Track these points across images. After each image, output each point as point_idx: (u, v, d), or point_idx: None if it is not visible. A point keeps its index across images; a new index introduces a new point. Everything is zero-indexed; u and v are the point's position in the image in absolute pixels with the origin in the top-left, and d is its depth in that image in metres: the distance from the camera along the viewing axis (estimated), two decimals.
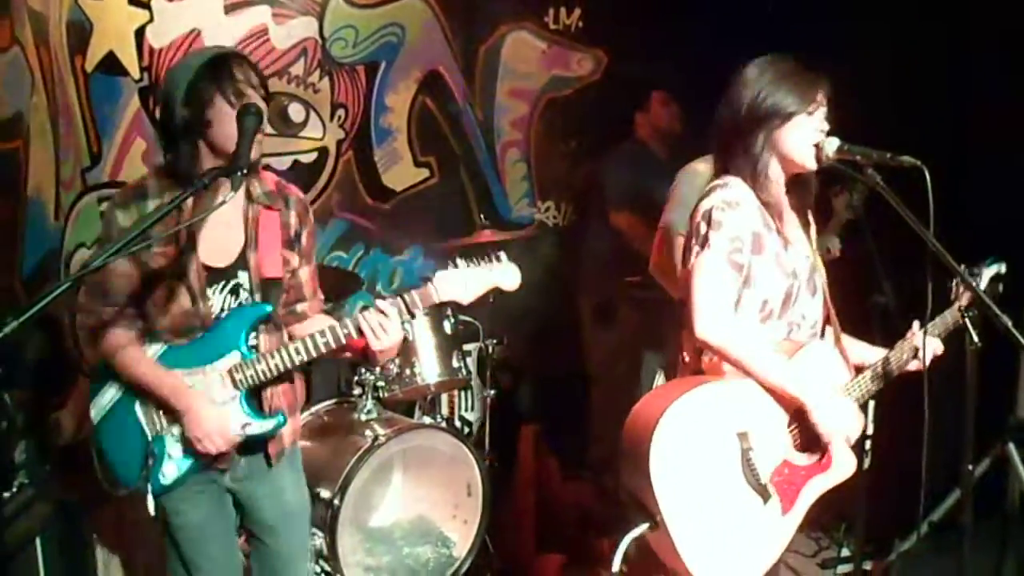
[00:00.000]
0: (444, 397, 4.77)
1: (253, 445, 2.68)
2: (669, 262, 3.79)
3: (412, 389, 4.20)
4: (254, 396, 2.63)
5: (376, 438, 3.77)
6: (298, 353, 2.55)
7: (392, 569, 3.96)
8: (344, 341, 2.55)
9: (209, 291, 2.58)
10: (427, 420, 4.27)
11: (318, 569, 3.65)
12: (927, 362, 2.60)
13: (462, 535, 4.05)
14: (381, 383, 4.10)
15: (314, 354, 2.56)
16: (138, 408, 2.59)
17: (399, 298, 2.55)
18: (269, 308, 2.61)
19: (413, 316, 2.56)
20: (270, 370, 2.57)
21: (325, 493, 3.67)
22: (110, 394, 2.61)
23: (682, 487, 2.36)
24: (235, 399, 2.57)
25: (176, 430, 2.57)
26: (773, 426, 2.49)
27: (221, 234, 2.59)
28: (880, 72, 4.64)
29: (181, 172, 2.52)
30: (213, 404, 2.54)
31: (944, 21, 4.39)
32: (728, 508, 2.41)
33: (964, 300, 2.70)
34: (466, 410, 5.14)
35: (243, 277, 2.61)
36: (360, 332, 2.53)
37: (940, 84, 4.37)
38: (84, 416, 4.17)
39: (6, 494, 3.05)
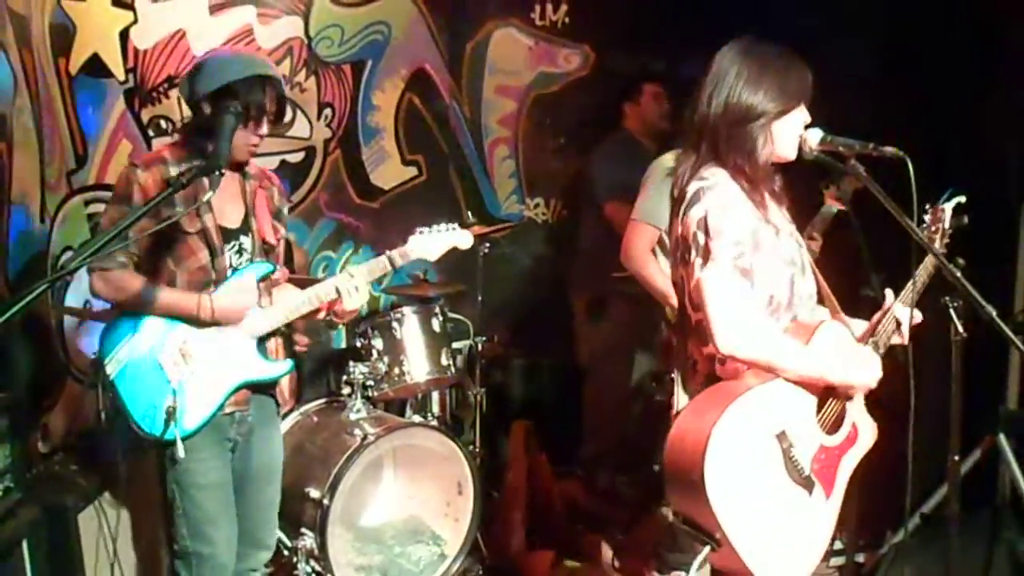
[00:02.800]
0: (435, 395, 4.76)
1: (259, 391, 3.04)
2: (636, 251, 3.85)
3: (402, 387, 4.20)
4: (263, 345, 3.00)
5: (365, 437, 3.76)
6: (297, 308, 2.98)
7: (383, 568, 3.95)
8: (326, 300, 3.02)
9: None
10: (417, 418, 4.26)
11: (308, 569, 3.64)
12: (907, 333, 2.59)
13: (454, 533, 4.05)
14: (371, 382, 4.09)
15: (306, 310, 3.00)
16: (162, 358, 2.83)
17: (384, 256, 3.10)
18: (273, 267, 3.01)
19: (396, 270, 3.18)
20: (275, 322, 2.98)
21: (315, 493, 3.66)
22: (128, 348, 2.83)
23: (740, 504, 2.33)
24: (251, 347, 2.94)
25: (199, 370, 2.84)
26: (805, 417, 2.47)
27: (227, 202, 2.93)
28: (864, 64, 4.65)
29: (196, 147, 2.85)
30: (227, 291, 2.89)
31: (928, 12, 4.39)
32: (781, 509, 2.40)
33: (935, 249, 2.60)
34: (456, 408, 5.13)
35: (246, 240, 2.97)
36: (338, 292, 3.00)
37: (922, 74, 4.38)
38: (74, 419, 4.21)
39: None
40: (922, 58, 4.36)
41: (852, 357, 2.51)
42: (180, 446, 2.77)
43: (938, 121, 4.30)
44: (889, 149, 2.37)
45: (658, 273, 3.77)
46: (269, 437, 3.12)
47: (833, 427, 2.54)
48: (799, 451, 2.42)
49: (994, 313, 2.29)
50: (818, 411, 2.50)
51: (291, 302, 3.00)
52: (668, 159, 3.80)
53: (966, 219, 2.76)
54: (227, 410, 2.91)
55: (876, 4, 4.67)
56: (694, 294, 2.45)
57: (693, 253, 2.42)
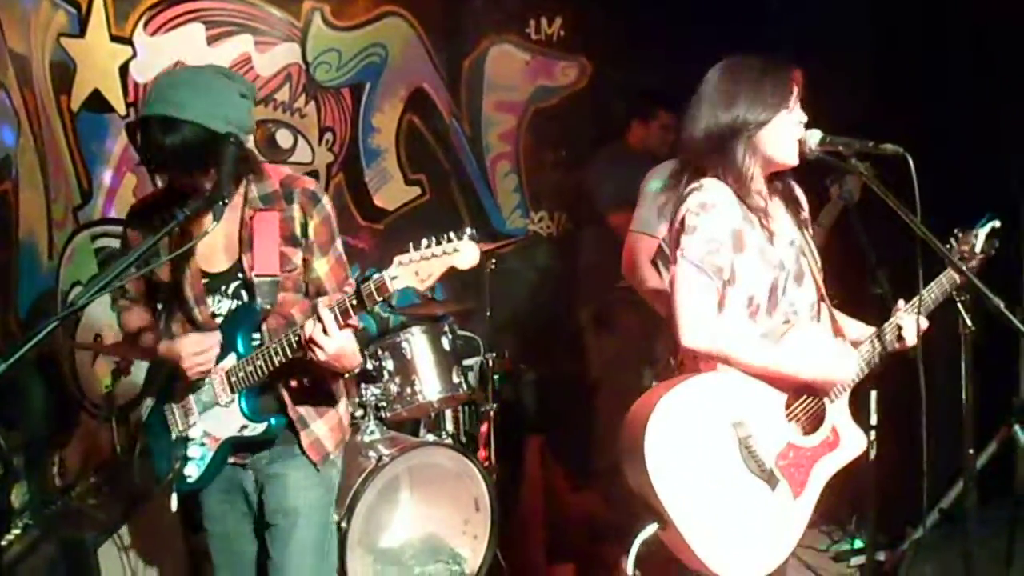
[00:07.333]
0: (448, 413, 4.76)
1: (262, 445, 2.67)
2: (637, 264, 3.87)
3: (414, 407, 4.20)
4: (258, 398, 2.62)
5: (380, 458, 3.76)
6: (276, 354, 2.49)
7: None
8: (295, 347, 2.46)
9: (211, 298, 2.64)
10: (431, 437, 4.26)
11: None
12: (916, 340, 2.59)
13: (473, 550, 4.05)
14: (383, 403, 4.10)
15: (283, 357, 2.48)
16: (164, 409, 2.72)
17: (356, 288, 2.39)
18: (256, 307, 2.58)
19: (368, 309, 2.41)
20: (257, 371, 2.53)
21: (332, 516, 3.65)
22: (152, 394, 2.78)
23: (682, 482, 2.35)
24: (234, 401, 2.59)
25: (195, 432, 2.65)
26: (771, 410, 2.48)
27: (220, 240, 2.61)
28: (862, 64, 4.66)
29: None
30: (191, 337, 2.62)
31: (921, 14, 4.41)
32: (735, 498, 2.40)
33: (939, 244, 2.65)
34: (470, 425, 5.13)
35: (242, 279, 2.63)
36: (300, 345, 2.44)
37: (918, 73, 4.39)
38: (89, 452, 4.22)
39: (8, 537, 3.04)
40: (921, 55, 4.38)
41: (826, 356, 2.50)
42: (174, 501, 2.63)
43: (939, 116, 4.30)
44: (888, 146, 2.38)
45: (656, 284, 3.79)
46: (280, 491, 2.71)
47: (808, 428, 2.54)
48: (760, 443, 2.42)
49: (1002, 305, 2.30)
50: (787, 408, 2.50)
51: (268, 351, 2.52)
52: (662, 171, 3.84)
53: (997, 244, 2.74)
54: (231, 461, 2.69)
55: (872, 4, 4.69)
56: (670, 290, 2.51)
57: (674, 250, 2.49)
